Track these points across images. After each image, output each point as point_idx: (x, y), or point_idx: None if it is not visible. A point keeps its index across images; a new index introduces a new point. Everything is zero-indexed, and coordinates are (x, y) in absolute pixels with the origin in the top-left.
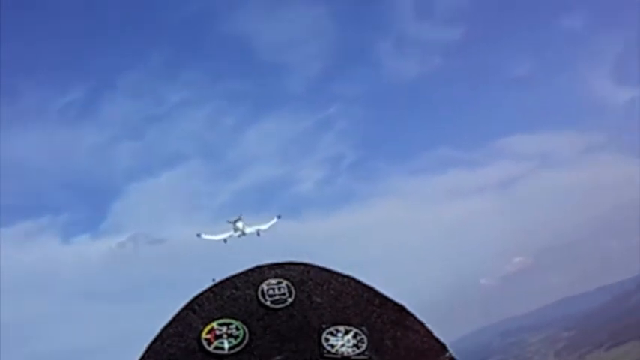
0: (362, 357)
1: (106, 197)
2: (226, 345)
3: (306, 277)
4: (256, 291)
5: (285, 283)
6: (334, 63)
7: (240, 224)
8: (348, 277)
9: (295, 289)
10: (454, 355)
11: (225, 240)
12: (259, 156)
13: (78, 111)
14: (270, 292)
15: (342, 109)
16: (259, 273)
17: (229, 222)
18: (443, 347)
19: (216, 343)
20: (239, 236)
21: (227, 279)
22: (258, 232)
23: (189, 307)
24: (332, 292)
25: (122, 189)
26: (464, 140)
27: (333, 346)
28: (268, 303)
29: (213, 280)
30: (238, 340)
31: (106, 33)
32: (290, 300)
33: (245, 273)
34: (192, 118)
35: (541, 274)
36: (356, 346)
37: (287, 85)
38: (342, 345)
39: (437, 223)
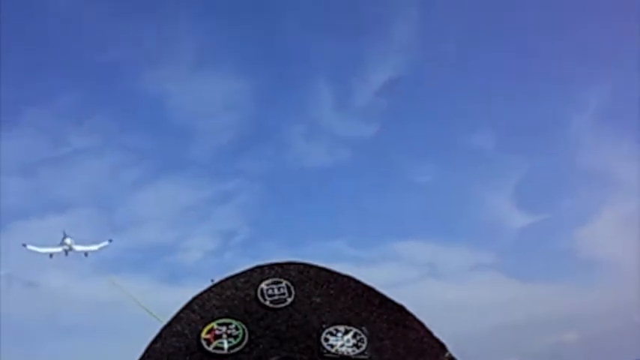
0: (361, 357)
1: None
2: (226, 345)
3: (305, 277)
4: (256, 291)
5: (284, 283)
6: (244, 138)
7: (68, 240)
8: (347, 277)
9: (295, 289)
10: (454, 355)
11: (50, 255)
12: (152, 217)
13: None
14: (270, 292)
15: (244, 184)
16: (259, 273)
17: (61, 242)
18: (442, 347)
19: (215, 343)
20: (66, 253)
21: (227, 279)
22: (86, 253)
23: (189, 307)
24: (332, 292)
25: (5, 226)
26: (358, 237)
27: (332, 346)
28: (268, 303)
29: (212, 280)
30: (238, 340)
31: (18, 64)
32: (290, 300)
33: (245, 273)
34: (91, 167)
35: None
36: (355, 346)
37: (192, 151)
38: (342, 345)
39: None
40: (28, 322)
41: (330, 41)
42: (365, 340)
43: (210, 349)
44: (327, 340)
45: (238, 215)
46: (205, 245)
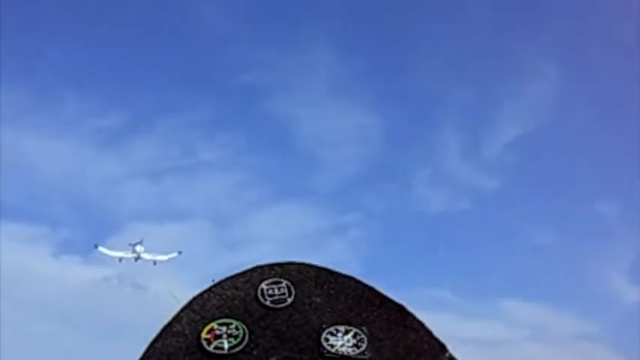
0: (361, 357)
1: (106, 228)
2: (226, 345)
3: (305, 276)
4: (256, 291)
5: (284, 282)
6: (367, 173)
7: (139, 247)
8: (348, 276)
9: (295, 289)
10: (453, 355)
11: (120, 259)
12: (265, 238)
13: (108, 138)
14: (270, 291)
15: (361, 220)
16: (259, 273)
17: (130, 244)
18: (442, 347)
19: (215, 343)
20: (135, 259)
21: (227, 279)
22: (154, 262)
23: (189, 306)
24: (332, 292)
25: (123, 226)
26: (465, 288)
27: (332, 346)
28: (268, 303)
29: (213, 280)
30: (238, 340)
31: (160, 73)
32: (290, 300)
33: (245, 273)
34: (214, 181)
35: None
36: (356, 346)
37: (315, 180)
38: (342, 345)
39: None
40: (137, 322)
41: (466, 86)
42: (365, 340)
43: (210, 349)
44: (327, 340)
45: (350, 249)
46: None
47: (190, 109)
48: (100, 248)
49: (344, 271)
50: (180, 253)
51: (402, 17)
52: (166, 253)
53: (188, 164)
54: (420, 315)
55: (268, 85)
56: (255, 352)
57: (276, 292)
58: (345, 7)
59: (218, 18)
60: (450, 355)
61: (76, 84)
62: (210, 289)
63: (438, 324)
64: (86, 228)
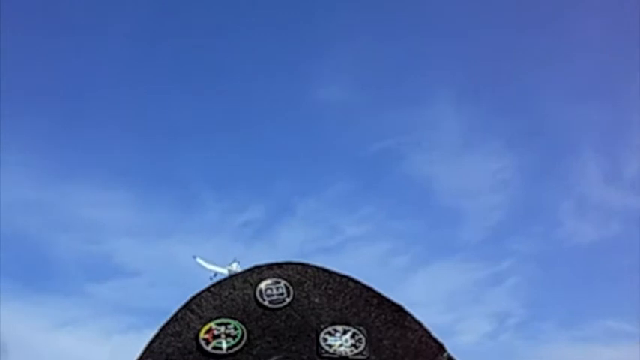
0: (360, 357)
1: None
2: (224, 345)
3: (304, 277)
4: (254, 291)
5: (283, 282)
6: (512, 217)
7: (234, 265)
8: (346, 276)
9: (293, 288)
10: (452, 355)
11: (215, 274)
12: (425, 301)
13: (254, 230)
14: (269, 291)
15: (516, 265)
16: (257, 273)
17: (228, 265)
18: (441, 347)
19: (214, 343)
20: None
21: (225, 279)
22: None
23: (187, 306)
24: (330, 291)
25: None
26: (632, 314)
27: (331, 346)
28: (266, 303)
29: (211, 279)
30: (236, 340)
31: (292, 157)
32: (288, 300)
33: (243, 273)
34: (365, 253)
35: None
36: (354, 346)
37: (462, 233)
38: (341, 345)
39: None
40: None
41: (589, 107)
42: (363, 340)
43: (208, 348)
44: (325, 340)
45: (511, 296)
46: (480, 328)
47: (328, 187)
48: (198, 259)
49: (343, 272)
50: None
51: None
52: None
53: (335, 243)
54: (592, 347)
55: (398, 148)
56: (253, 352)
57: (275, 292)
58: (456, 56)
59: (332, 87)
60: (449, 354)
61: (214, 184)
62: (208, 289)
63: (615, 356)
64: None
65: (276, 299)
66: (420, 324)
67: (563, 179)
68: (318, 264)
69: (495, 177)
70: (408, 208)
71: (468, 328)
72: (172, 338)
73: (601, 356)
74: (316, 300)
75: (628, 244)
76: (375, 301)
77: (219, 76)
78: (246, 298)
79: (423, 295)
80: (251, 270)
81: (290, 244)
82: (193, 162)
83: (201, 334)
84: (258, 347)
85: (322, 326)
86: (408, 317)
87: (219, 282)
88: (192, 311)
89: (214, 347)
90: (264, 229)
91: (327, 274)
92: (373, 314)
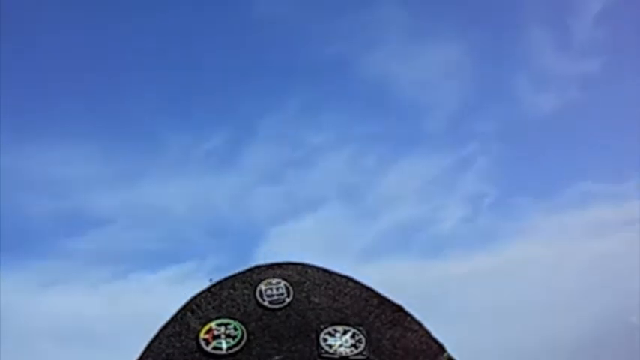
0: (360, 357)
1: (249, 241)
2: (224, 345)
3: (304, 277)
4: (254, 291)
5: (283, 283)
6: (471, 100)
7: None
8: (346, 277)
9: (293, 289)
10: (452, 355)
11: (210, 279)
12: (399, 196)
13: (219, 158)
14: (269, 292)
15: (481, 146)
16: (257, 273)
17: None
18: (441, 347)
19: (214, 343)
20: None
21: (225, 279)
22: None
23: (187, 307)
24: (330, 292)
25: (264, 233)
26: (606, 174)
27: (331, 346)
28: (266, 303)
29: (211, 280)
30: (236, 340)
31: (244, 76)
32: (288, 300)
33: (243, 273)
34: (332, 161)
35: None
36: (354, 346)
37: (424, 125)
38: (341, 345)
39: (580, 260)
40: None
41: None
42: (363, 340)
43: (208, 349)
44: (325, 340)
45: (482, 178)
46: (456, 213)
47: (285, 101)
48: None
49: (343, 272)
50: None
51: None
52: None
53: (301, 155)
54: (569, 214)
55: (349, 52)
56: (253, 353)
57: (275, 292)
58: None
59: (272, 1)
60: (449, 355)
61: (170, 119)
62: (208, 290)
63: (592, 218)
64: (231, 248)
65: (276, 299)
66: (420, 324)
67: (517, 54)
68: (318, 264)
69: (449, 63)
70: (367, 109)
71: (445, 215)
72: (172, 338)
73: (580, 220)
74: (316, 300)
75: (589, 107)
76: (375, 301)
77: (153, 7)
78: (246, 298)
79: (396, 191)
80: (251, 270)
81: (255, 163)
82: (145, 101)
83: (202, 335)
84: (258, 347)
85: (322, 326)
86: (408, 317)
87: (219, 282)
88: (192, 312)
89: (214, 347)
90: (228, 156)
91: (327, 274)
92: (373, 314)
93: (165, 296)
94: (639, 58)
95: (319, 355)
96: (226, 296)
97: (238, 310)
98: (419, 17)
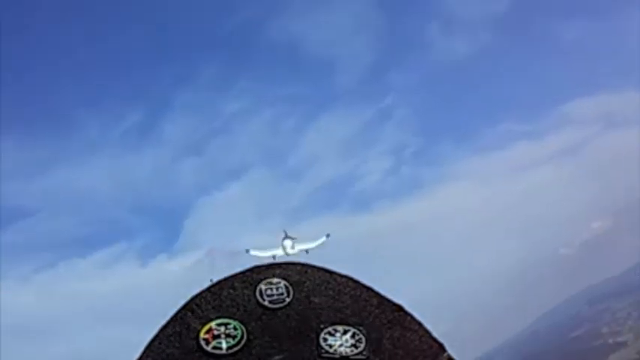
0: (360, 357)
1: (177, 216)
2: (224, 345)
3: (304, 277)
4: (254, 291)
5: (283, 283)
6: (385, 52)
7: (288, 242)
8: (346, 277)
9: (293, 289)
10: (452, 355)
11: (274, 257)
12: (322, 154)
13: (138, 134)
14: (269, 292)
15: (399, 97)
16: (257, 273)
17: (284, 236)
18: (441, 347)
19: (214, 343)
20: (287, 253)
21: (225, 279)
22: (307, 251)
23: (187, 307)
24: (330, 292)
25: (192, 205)
26: (524, 112)
27: (331, 346)
28: (266, 303)
29: (211, 280)
30: (236, 340)
31: (155, 54)
32: (288, 300)
33: (243, 273)
34: (251, 126)
35: (621, 236)
36: (354, 346)
37: (340, 81)
38: (341, 345)
39: (508, 198)
40: None
41: None
42: (363, 340)
43: (208, 348)
44: (325, 340)
45: (402, 128)
46: (380, 166)
47: (199, 72)
48: (252, 251)
49: (343, 272)
50: (328, 236)
51: None
52: (314, 240)
53: (220, 123)
54: (492, 154)
55: (256, 17)
56: (253, 353)
57: (275, 292)
58: None
59: None
60: (449, 355)
61: (85, 102)
62: (208, 289)
63: (514, 156)
64: (159, 225)
65: (276, 299)
66: (419, 324)
67: (426, 2)
68: (319, 264)
69: (359, 17)
70: (281, 71)
71: (370, 169)
72: (172, 338)
73: (503, 159)
74: (316, 300)
75: (501, 48)
76: (375, 301)
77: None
78: (246, 298)
79: (319, 150)
80: (251, 270)
81: (175, 136)
82: (57, 87)
83: (202, 334)
84: (258, 347)
85: (322, 326)
86: (408, 317)
87: (219, 282)
88: (192, 312)
89: (214, 347)
90: (147, 131)
91: (327, 274)
92: (373, 314)
93: (99, 280)
94: None
95: (319, 355)
96: (226, 296)
97: (238, 310)
98: None
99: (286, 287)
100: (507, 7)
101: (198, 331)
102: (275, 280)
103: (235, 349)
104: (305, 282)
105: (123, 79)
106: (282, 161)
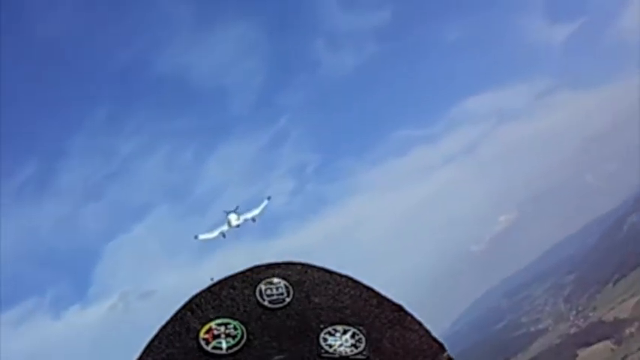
0: (360, 357)
1: (85, 264)
2: (224, 345)
3: (304, 277)
4: (254, 291)
5: (283, 283)
6: (273, 75)
7: (232, 216)
8: (346, 277)
9: (293, 289)
10: (452, 355)
11: (223, 235)
12: (224, 184)
13: (36, 187)
14: (269, 292)
15: (292, 117)
16: (257, 273)
17: (226, 212)
18: (441, 347)
19: (214, 343)
20: (238, 226)
21: (225, 279)
22: (254, 219)
23: (187, 307)
24: (330, 292)
25: (99, 251)
26: (418, 117)
27: (331, 346)
28: (266, 303)
29: (212, 279)
30: (236, 340)
31: (45, 103)
32: (288, 300)
33: (243, 273)
34: (149, 164)
35: (528, 226)
36: (354, 346)
37: (233, 108)
38: (340, 345)
39: (413, 203)
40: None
41: None
42: (363, 340)
43: (208, 348)
44: (325, 340)
45: (300, 147)
46: (284, 187)
47: (87, 115)
48: (200, 236)
49: (343, 272)
50: (269, 198)
51: None
52: (257, 206)
53: (117, 166)
54: (392, 162)
55: (141, 54)
56: (253, 353)
57: (275, 292)
58: None
59: (49, 20)
60: (449, 355)
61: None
62: (208, 289)
63: (414, 161)
64: (69, 276)
65: (276, 299)
66: (419, 324)
67: (305, 22)
68: (319, 264)
69: (243, 43)
70: (173, 105)
71: (275, 191)
72: (172, 338)
73: (403, 165)
74: (316, 300)
75: (388, 57)
76: (375, 301)
77: None
78: (246, 298)
79: (221, 179)
80: (251, 270)
81: (73, 183)
82: None
83: (202, 334)
84: (258, 348)
85: (322, 326)
86: (408, 317)
87: (219, 282)
88: (192, 311)
89: (214, 347)
90: (44, 182)
91: (327, 274)
92: (373, 314)
93: (12, 338)
94: (425, 2)
95: (319, 355)
96: (226, 296)
97: (238, 309)
98: (200, 3)
99: (286, 287)
100: (390, 16)
101: (198, 331)
102: (275, 280)
103: (235, 349)
104: (305, 282)
105: (14, 133)
106: (186, 195)
